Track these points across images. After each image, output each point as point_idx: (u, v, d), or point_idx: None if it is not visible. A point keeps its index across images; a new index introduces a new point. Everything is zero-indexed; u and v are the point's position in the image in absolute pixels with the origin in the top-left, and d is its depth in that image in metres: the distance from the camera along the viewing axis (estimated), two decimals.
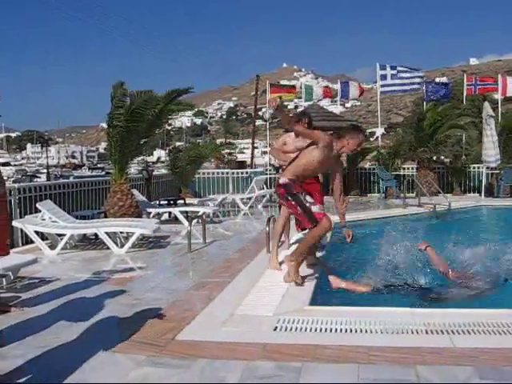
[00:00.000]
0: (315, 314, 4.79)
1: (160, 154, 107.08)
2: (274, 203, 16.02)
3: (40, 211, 9.02)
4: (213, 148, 18.40)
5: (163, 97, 11.35)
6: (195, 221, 10.22)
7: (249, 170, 19.85)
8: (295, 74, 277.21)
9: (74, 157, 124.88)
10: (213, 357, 3.84)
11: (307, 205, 5.74)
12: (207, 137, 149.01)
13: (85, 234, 9.42)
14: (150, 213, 11.97)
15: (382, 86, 21.88)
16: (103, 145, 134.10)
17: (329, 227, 5.79)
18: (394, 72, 21.38)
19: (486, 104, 18.63)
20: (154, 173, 16.79)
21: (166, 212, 12.51)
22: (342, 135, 5.95)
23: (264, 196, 16.05)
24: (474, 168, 20.23)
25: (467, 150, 22.35)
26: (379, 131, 34.12)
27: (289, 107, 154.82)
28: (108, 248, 8.57)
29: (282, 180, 5.91)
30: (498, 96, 23.35)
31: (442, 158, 21.97)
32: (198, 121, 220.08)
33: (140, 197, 12.50)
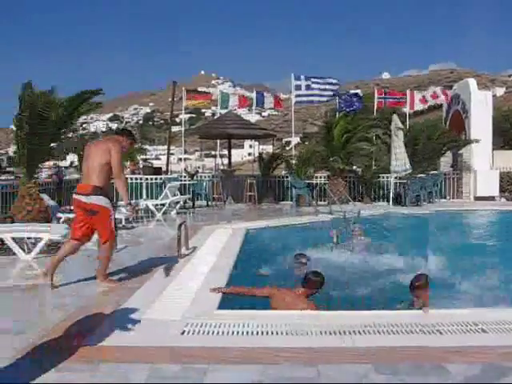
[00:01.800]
0: (224, 318, 4.87)
1: (73, 158, 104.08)
2: (187, 209, 16.03)
3: None
4: (127, 153, 18.09)
5: (72, 99, 11.12)
6: None
7: (163, 177, 19.62)
8: (213, 81, 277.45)
9: None
10: (119, 361, 3.86)
11: None
12: None
13: None
14: (60, 218, 11.67)
15: (297, 96, 22.09)
16: (13, 148, 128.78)
17: None
18: (309, 83, 21.63)
19: (395, 116, 19.37)
20: (66, 177, 16.41)
21: None
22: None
23: (178, 202, 15.99)
24: (383, 177, 20.94)
25: (377, 160, 23.08)
26: (294, 140, 34.84)
27: (206, 114, 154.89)
28: (15, 254, 8.29)
29: None
30: (407, 109, 24.41)
31: (355, 167, 22.53)
32: (114, 126, 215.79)
33: (50, 201, 12.15)
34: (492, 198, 20.37)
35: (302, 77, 22.00)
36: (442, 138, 21.51)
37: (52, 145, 11.41)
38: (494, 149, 22.51)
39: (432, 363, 3.82)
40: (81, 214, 6.39)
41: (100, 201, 6.24)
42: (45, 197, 11.73)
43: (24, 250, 8.44)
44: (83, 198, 6.28)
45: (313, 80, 21.72)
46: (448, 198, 21.49)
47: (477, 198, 20.57)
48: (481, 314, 5.04)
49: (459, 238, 11.80)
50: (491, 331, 4.52)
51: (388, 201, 19.61)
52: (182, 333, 4.51)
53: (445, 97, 24.15)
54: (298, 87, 21.85)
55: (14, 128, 10.99)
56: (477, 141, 20.88)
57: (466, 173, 21.53)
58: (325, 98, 22.75)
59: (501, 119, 48.57)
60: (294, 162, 20.92)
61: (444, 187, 21.47)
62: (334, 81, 22.74)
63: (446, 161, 23.55)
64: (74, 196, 6.45)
